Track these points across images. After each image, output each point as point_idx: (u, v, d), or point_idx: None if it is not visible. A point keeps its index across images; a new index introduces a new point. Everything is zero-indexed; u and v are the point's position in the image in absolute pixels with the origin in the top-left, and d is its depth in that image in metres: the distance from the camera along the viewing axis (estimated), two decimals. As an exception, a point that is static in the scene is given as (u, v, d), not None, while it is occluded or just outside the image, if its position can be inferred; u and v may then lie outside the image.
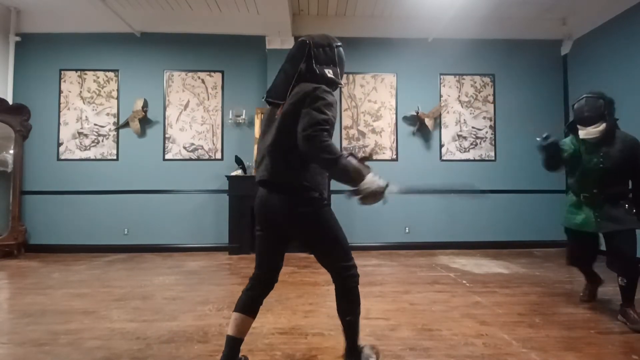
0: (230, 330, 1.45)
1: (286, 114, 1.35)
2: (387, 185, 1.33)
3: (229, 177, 4.54)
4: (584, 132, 2.25)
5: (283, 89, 1.42)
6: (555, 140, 2.25)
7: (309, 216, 1.39)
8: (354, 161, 1.31)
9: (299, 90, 1.34)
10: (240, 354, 1.54)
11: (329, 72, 1.43)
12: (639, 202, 2.21)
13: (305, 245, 1.47)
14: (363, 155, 1.99)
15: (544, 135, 2.27)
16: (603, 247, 2.33)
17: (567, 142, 2.40)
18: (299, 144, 1.26)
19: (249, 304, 1.51)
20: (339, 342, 1.88)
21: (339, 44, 1.50)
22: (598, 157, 2.21)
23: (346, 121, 5.02)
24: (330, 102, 1.30)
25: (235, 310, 1.48)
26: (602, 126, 2.18)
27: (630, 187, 2.27)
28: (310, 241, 1.45)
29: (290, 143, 1.31)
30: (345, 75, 5.02)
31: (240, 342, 1.48)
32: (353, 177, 1.29)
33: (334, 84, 1.44)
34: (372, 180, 1.30)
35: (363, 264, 3.94)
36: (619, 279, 2.16)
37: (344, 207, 4.84)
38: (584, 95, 2.29)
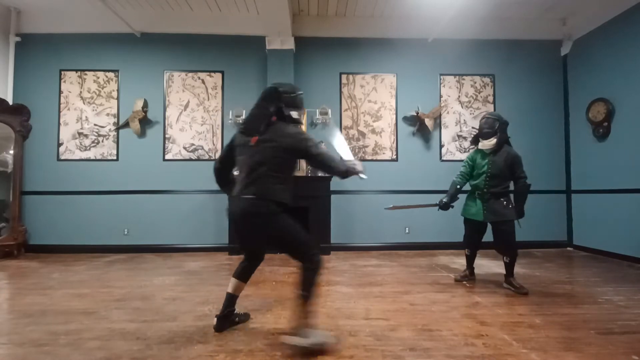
0: (229, 289, 2.08)
1: (280, 148, 1.84)
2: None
3: (229, 178, 4.53)
4: (481, 144, 2.97)
5: (257, 125, 1.89)
6: (447, 201, 3.01)
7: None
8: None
9: (285, 133, 1.86)
10: (241, 354, 1.63)
11: (294, 114, 1.96)
12: (516, 200, 2.90)
13: (264, 240, 2.01)
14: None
15: (441, 205, 3.03)
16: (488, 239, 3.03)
17: (466, 161, 3.10)
18: (328, 169, 1.90)
19: (244, 273, 2.12)
20: (339, 342, 1.88)
21: (300, 92, 2.04)
22: (487, 164, 2.91)
23: (346, 121, 5.02)
24: (308, 137, 1.90)
25: (233, 276, 2.10)
26: (494, 141, 2.88)
27: (510, 188, 2.94)
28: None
29: (280, 169, 1.85)
30: (345, 76, 5.06)
31: (236, 297, 2.10)
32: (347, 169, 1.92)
33: (298, 123, 2.00)
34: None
35: (363, 264, 3.94)
36: (504, 258, 2.91)
37: (344, 207, 4.86)
38: (485, 115, 3.00)
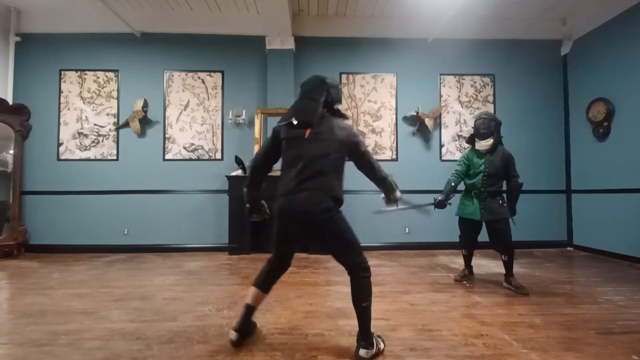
0: (248, 300, 1.85)
1: (336, 142, 1.77)
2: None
3: (229, 177, 4.54)
4: (478, 144, 3.00)
5: (311, 116, 1.78)
6: (443, 199, 2.98)
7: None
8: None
9: (339, 126, 1.81)
10: (241, 354, 1.63)
11: (340, 108, 1.88)
12: (509, 198, 2.93)
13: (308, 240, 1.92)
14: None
15: (436, 204, 2.99)
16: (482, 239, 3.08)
17: (462, 159, 3.09)
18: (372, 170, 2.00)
19: (268, 281, 1.90)
20: (339, 343, 1.89)
21: (341, 86, 1.93)
22: (484, 163, 2.93)
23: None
24: (358, 133, 1.87)
25: (253, 285, 1.87)
26: (491, 141, 2.93)
27: (504, 187, 3.00)
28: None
29: (336, 163, 1.79)
30: (345, 75, 5.06)
31: (254, 309, 1.87)
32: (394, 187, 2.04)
33: (345, 118, 1.91)
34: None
35: (363, 264, 3.94)
36: (502, 256, 2.91)
37: (344, 207, 4.85)
38: (482, 116, 3.02)
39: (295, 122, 1.77)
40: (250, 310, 1.85)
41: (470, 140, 3.10)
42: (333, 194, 1.73)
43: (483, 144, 2.96)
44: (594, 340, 1.93)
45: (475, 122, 3.06)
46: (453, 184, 3.05)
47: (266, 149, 1.91)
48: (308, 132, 1.75)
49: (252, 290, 1.86)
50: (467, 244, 3.16)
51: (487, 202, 2.91)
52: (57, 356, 1.75)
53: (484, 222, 2.96)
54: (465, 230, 3.11)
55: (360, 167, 1.96)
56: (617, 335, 2.00)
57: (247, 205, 1.97)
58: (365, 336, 1.70)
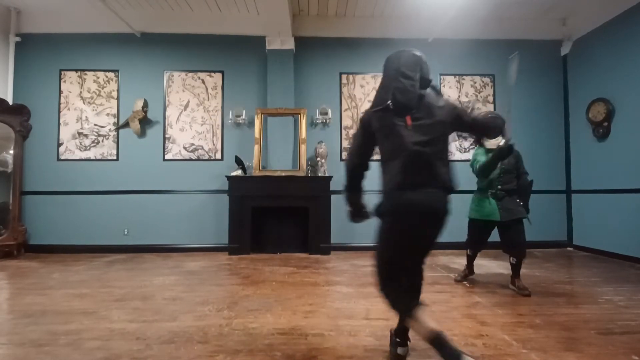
0: (432, 326, 1.39)
1: (441, 124, 1.51)
2: None
3: (229, 178, 4.54)
4: (488, 143, 2.91)
5: (410, 100, 1.50)
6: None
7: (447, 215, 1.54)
8: None
9: (441, 105, 1.54)
10: (241, 354, 1.58)
11: (434, 84, 1.64)
12: (520, 196, 2.88)
13: (430, 244, 1.60)
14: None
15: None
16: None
17: (480, 153, 2.94)
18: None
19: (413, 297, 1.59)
20: (339, 343, 1.89)
21: None
22: (501, 162, 2.77)
23: (346, 121, 5.02)
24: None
25: (407, 313, 1.48)
26: (501, 138, 2.78)
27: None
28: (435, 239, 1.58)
29: (444, 149, 1.54)
30: (345, 76, 5.05)
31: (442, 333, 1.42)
32: None
33: (441, 94, 1.66)
34: None
35: (363, 264, 3.94)
36: (511, 259, 2.88)
37: (344, 207, 4.85)
38: (489, 115, 2.84)
39: (391, 107, 1.50)
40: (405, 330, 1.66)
41: (478, 140, 3.07)
42: (452, 187, 1.52)
43: (494, 142, 2.87)
44: (594, 340, 1.93)
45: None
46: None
47: (359, 145, 1.64)
48: (409, 119, 1.49)
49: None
50: (478, 246, 3.09)
51: (505, 202, 2.83)
52: (57, 356, 1.75)
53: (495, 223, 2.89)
54: (479, 232, 3.00)
55: (475, 132, 1.81)
56: (617, 335, 2.00)
57: (349, 209, 1.74)
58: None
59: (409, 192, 1.46)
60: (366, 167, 1.68)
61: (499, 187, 2.86)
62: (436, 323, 1.42)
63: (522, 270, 3.61)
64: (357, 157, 1.65)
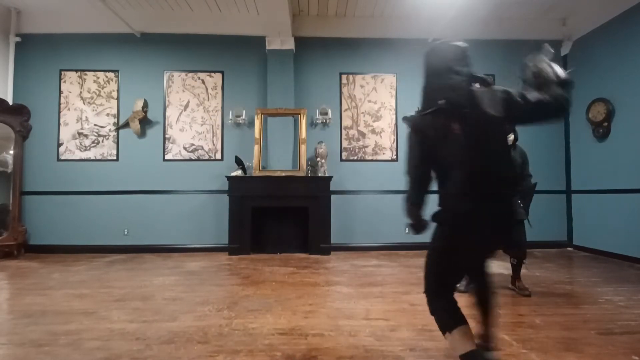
0: (469, 347, 1.34)
1: (497, 121, 1.34)
2: None
3: (229, 178, 4.54)
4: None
5: (461, 99, 1.35)
6: None
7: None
8: None
9: (493, 99, 1.34)
10: (241, 354, 1.56)
11: (483, 76, 1.49)
12: (522, 198, 2.80)
13: (493, 250, 1.55)
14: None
15: None
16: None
17: None
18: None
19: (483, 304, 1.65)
20: (339, 343, 1.89)
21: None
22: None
23: (346, 121, 5.02)
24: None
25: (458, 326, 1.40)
26: (512, 137, 2.79)
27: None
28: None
29: (502, 147, 1.41)
30: (345, 76, 5.05)
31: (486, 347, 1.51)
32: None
33: (489, 85, 1.46)
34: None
35: (363, 264, 3.94)
36: (511, 259, 2.88)
37: (344, 207, 4.86)
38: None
39: (444, 107, 1.36)
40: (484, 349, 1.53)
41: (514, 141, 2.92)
42: (510, 185, 1.44)
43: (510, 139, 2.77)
44: (594, 340, 1.93)
45: None
46: None
47: (418, 156, 1.47)
48: (462, 122, 1.34)
49: (460, 332, 1.39)
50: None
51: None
52: (57, 356, 1.75)
53: None
54: None
55: (532, 117, 1.48)
56: (617, 335, 2.00)
57: (410, 222, 1.60)
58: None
59: (471, 200, 1.35)
60: (430, 178, 1.52)
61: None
62: (472, 342, 1.37)
63: (522, 271, 3.61)
64: (420, 165, 1.49)
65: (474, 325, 1.48)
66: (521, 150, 2.86)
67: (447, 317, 1.44)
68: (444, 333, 1.42)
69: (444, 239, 1.44)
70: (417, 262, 4.07)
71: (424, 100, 1.45)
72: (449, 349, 1.42)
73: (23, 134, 4.74)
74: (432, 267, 1.47)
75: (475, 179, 1.34)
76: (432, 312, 1.46)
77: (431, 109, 1.38)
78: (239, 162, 4.63)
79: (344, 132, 5.01)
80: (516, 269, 2.86)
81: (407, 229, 1.63)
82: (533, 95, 1.29)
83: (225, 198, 4.64)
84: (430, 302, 1.47)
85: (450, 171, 1.39)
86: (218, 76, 4.97)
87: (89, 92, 4.89)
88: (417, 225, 1.57)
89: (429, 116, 1.38)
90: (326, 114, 4.85)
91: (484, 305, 1.61)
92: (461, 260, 1.45)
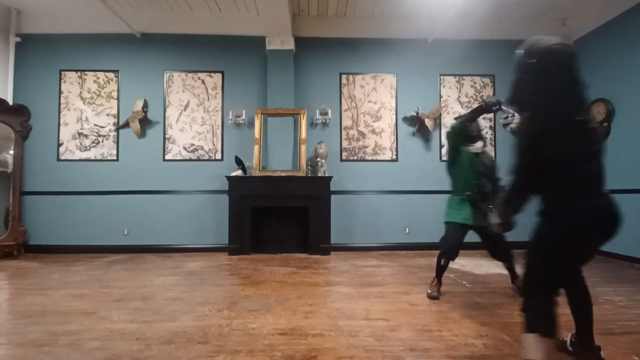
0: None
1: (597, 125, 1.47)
2: None
3: (229, 178, 4.54)
4: (472, 147, 2.84)
5: (585, 99, 1.43)
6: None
7: None
8: None
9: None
10: (241, 354, 1.56)
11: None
12: (496, 201, 2.63)
13: (596, 252, 1.55)
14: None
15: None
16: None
17: (466, 151, 2.85)
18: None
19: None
20: (339, 343, 1.89)
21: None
22: (479, 164, 2.81)
23: (346, 122, 5.02)
24: None
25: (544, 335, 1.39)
26: (481, 144, 2.87)
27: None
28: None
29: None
30: (345, 76, 5.05)
31: None
32: None
33: None
34: None
35: (363, 264, 3.94)
36: (504, 264, 2.83)
37: (344, 207, 4.86)
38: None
39: (571, 106, 1.39)
40: None
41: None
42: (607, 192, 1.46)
43: (477, 146, 2.84)
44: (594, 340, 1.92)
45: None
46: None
47: (533, 162, 1.44)
48: (583, 122, 1.40)
49: (533, 343, 1.37)
50: (455, 253, 2.79)
51: (481, 206, 2.72)
52: (57, 356, 1.75)
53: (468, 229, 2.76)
54: (460, 237, 2.77)
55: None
56: (617, 335, 2.00)
57: (499, 222, 1.66)
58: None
59: (588, 199, 1.39)
60: (537, 190, 1.50)
61: (475, 190, 2.76)
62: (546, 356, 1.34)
63: (523, 271, 3.61)
64: (530, 179, 1.46)
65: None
66: (489, 155, 2.95)
67: (533, 317, 1.43)
68: (525, 331, 1.40)
69: (555, 238, 1.43)
70: (417, 262, 4.07)
71: (541, 95, 1.40)
72: (520, 347, 1.41)
73: (23, 134, 4.74)
74: (534, 262, 1.48)
75: (590, 178, 1.39)
76: (523, 309, 1.45)
77: (557, 108, 1.38)
78: (239, 162, 4.63)
79: (344, 132, 5.01)
80: (511, 271, 2.83)
81: (494, 227, 1.71)
82: None
83: (225, 198, 4.64)
84: (525, 298, 1.47)
85: (564, 166, 1.38)
86: (218, 76, 4.97)
87: (89, 92, 4.90)
88: (507, 226, 1.67)
89: (554, 114, 1.38)
90: (326, 114, 4.85)
91: (584, 308, 1.68)
92: (569, 259, 1.46)
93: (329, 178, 4.55)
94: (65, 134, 4.86)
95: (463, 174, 2.82)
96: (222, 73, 4.97)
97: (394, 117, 5.04)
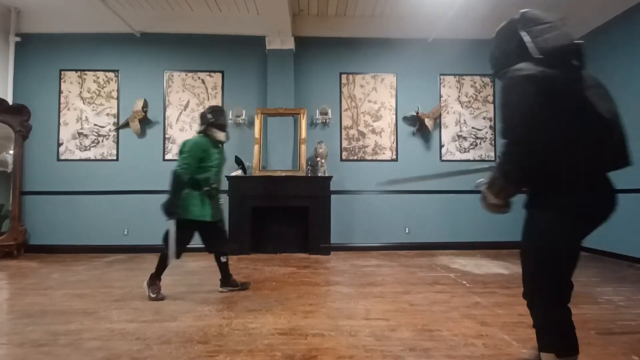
0: None
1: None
2: None
3: (229, 178, 4.53)
4: (222, 135, 2.79)
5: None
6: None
7: None
8: None
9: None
10: (241, 354, 1.54)
11: None
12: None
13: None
14: None
15: None
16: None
17: (204, 143, 2.72)
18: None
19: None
20: (339, 343, 1.89)
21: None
22: (221, 156, 2.81)
23: (346, 121, 5.02)
24: None
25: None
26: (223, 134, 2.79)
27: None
28: None
29: None
30: (345, 76, 5.05)
31: None
32: None
33: None
34: None
35: (363, 264, 3.94)
36: (221, 258, 2.83)
37: (344, 207, 4.86)
38: (216, 109, 2.87)
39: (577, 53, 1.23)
40: None
41: (206, 130, 2.77)
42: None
43: (222, 136, 2.77)
44: (594, 340, 1.93)
45: (216, 115, 2.79)
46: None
47: (535, 114, 1.12)
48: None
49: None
50: (184, 251, 2.72)
51: (216, 200, 2.73)
52: (57, 356, 1.75)
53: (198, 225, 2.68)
54: (191, 236, 2.73)
55: None
56: (617, 335, 2.00)
57: (496, 202, 1.28)
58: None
59: (597, 188, 1.17)
60: (539, 155, 1.15)
61: (215, 185, 2.73)
62: None
63: (518, 270, 3.61)
64: (531, 135, 1.12)
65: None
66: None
67: (554, 336, 1.21)
68: (545, 351, 1.21)
69: (565, 230, 1.17)
70: (417, 262, 4.07)
71: (543, 40, 1.25)
72: None
73: (23, 134, 4.74)
74: (547, 269, 1.21)
75: (606, 159, 1.14)
76: (543, 326, 1.23)
77: (563, 54, 1.18)
78: (239, 162, 4.62)
79: (344, 132, 5.01)
80: (226, 266, 2.87)
81: (487, 209, 1.34)
82: None
83: (225, 198, 4.63)
84: (546, 314, 1.23)
85: (572, 141, 1.13)
86: (218, 76, 4.97)
87: (89, 92, 4.89)
88: (504, 206, 1.29)
89: (558, 64, 1.16)
90: (326, 113, 4.85)
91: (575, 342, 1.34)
92: (576, 256, 1.21)
93: (329, 178, 4.55)
94: (65, 133, 4.86)
95: (204, 167, 2.73)
96: (222, 73, 4.97)
97: (394, 116, 5.04)
